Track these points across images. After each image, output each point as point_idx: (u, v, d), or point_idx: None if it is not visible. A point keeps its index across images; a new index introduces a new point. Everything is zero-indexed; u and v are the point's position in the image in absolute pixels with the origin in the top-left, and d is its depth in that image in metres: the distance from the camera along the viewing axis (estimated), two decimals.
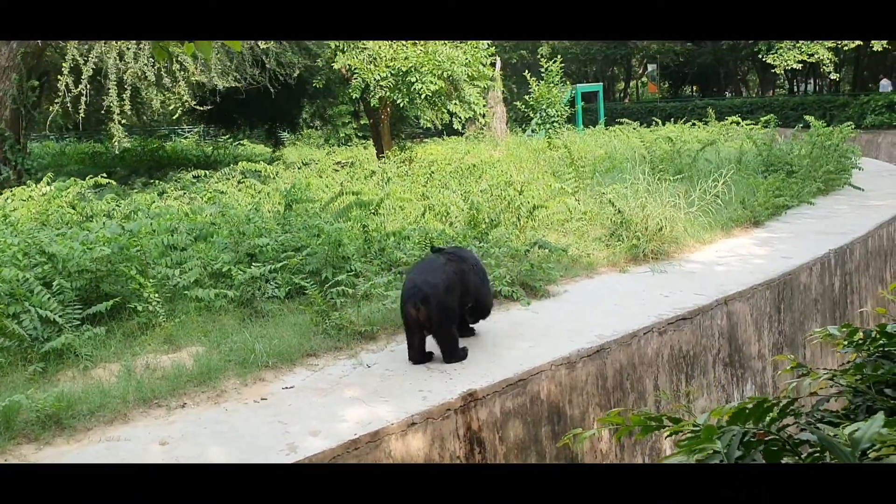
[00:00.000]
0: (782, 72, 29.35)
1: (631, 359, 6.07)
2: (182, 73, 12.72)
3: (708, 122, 21.41)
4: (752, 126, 18.48)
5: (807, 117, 17.03)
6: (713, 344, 6.97)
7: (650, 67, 45.75)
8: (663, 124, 21.46)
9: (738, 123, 20.18)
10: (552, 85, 18.81)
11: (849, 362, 2.35)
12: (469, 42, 17.14)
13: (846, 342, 2.40)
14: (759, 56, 29.74)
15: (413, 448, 4.54)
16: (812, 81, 39.61)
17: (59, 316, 5.35)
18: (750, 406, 1.92)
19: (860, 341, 2.35)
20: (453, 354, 5.46)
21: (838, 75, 29.87)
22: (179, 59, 12.28)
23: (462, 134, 24.25)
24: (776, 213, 10.96)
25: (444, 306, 5.35)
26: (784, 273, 7.95)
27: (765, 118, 18.08)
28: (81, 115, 12.62)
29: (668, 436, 2.04)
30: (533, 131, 21.22)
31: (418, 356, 5.48)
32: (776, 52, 27.20)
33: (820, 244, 9.05)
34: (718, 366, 7.05)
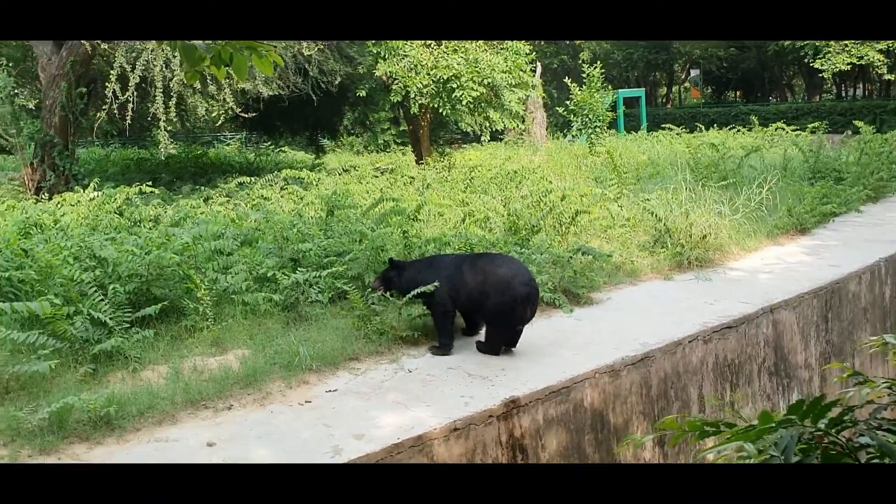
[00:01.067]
0: (830, 76, 28.76)
1: (675, 367, 6.00)
2: (227, 80, 12.93)
3: (752, 129, 21.07)
4: (798, 132, 18.14)
5: (856, 122, 16.68)
6: (759, 353, 6.86)
7: (693, 73, 45.24)
8: (707, 130, 21.21)
9: (783, 129, 19.84)
10: (593, 90, 18.68)
11: None
12: (509, 48, 17.13)
13: None
14: (806, 60, 29.21)
15: (455, 453, 4.55)
16: (861, 85, 38.74)
17: (110, 318, 5.47)
18: (807, 403, 1.90)
19: None
20: (496, 347, 5.85)
21: (893, 76, 29.17)
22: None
23: (501, 139, 24.22)
24: (823, 221, 10.73)
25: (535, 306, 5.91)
26: (832, 281, 7.79)
27: (811, 125, 17.74)
28: (128, 121, 12.89)
29: (724, 442, 2.01)
30: (574, 137, 21.11)
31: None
32: (824, 57, 26.70)
33: (870, 252, 8.85)
34: (764, 375, 6.92)
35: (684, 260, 8.31)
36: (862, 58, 25.75)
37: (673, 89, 47.49)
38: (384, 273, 6.22)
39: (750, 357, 6.76)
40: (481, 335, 6.01)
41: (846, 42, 25.91)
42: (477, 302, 5.74)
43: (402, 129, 28.93)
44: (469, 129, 17.37)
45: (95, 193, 10.34)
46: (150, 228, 8.43)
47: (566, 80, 20.34)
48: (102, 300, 5.59)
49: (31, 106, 14.48)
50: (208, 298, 5.91)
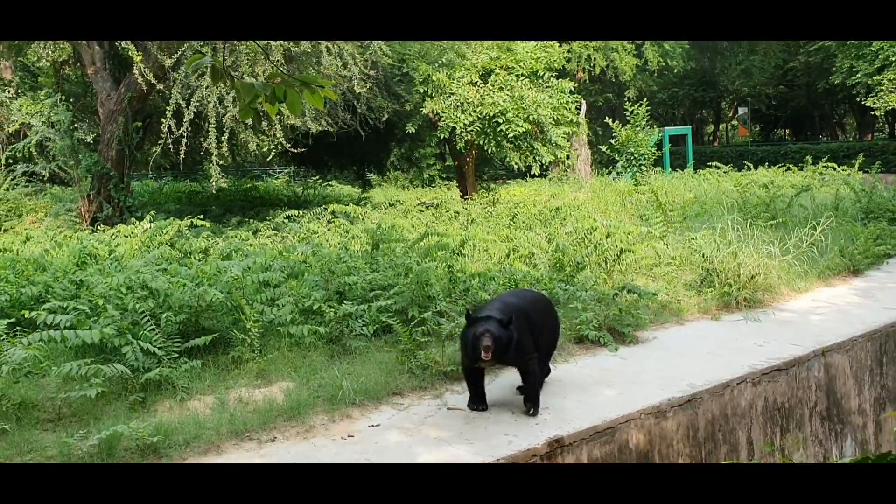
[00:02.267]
0: (882, 114, 28.26)
1: (723, 409, 5.87)
2: (278, 116, 13.24)
3: (803, 168, 20.76)
4: (849, 171, 17.82)
5: None
6: (810, 397, 6.68)
7: (741, 111, 44.89)
8: (755, 168, 20.93)
9: (833, 168, 19.50)
10: (638, 128, 18.67)
11: None
12: (554, 86, 17.25)
13: None
14: (857, 98, 28.77)
15: None
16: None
17: (159, 349, 5.58)
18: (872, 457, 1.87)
19: None
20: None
21: None
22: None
23: (546, 176, 24.26)
24: (877, 262, 10.47)
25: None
26: (886, 324, 7.58)
27: (860, 161, 17.42)
28: (181, 156, 13.24)
29: None
30: (619, 174, 21.04)
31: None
32: (876, 95, 26.26)
33: None
34: (815, 420, 6.73)
35: (732, 300, 8.17)
36: None
37: (720, 127, 47.11)
38: (490, 330, 4.92)
39: (801, 401, 6.59)
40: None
41: None
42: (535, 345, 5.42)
43: (447, 164, 29.19)
44: (514, 165, 17.47)
45: (149, 225, 10.62)
46: (200, 260, 8.61)
47: (608, 119, 20.37)
48: (154, 330, 5.71)
49: (89, 140, 14.97)
50: (256, 330, 6.00)
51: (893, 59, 25.38)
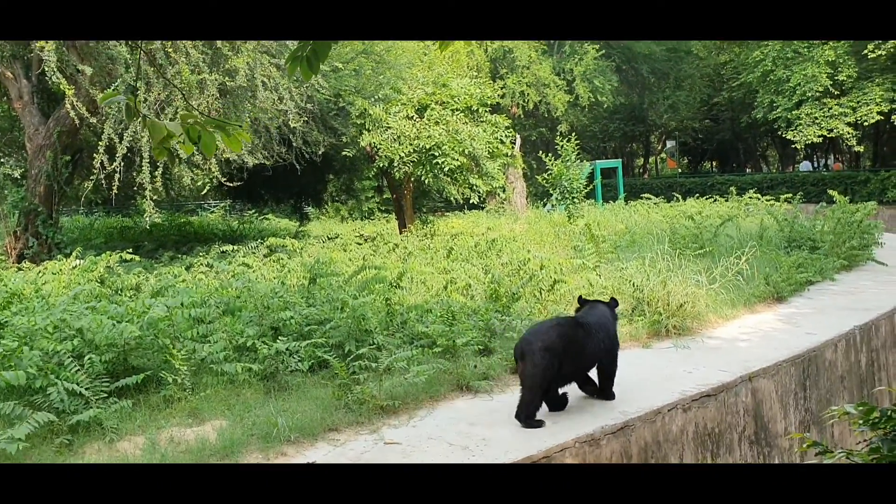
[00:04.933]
0: (802, 147, 29.57)
1: (655, 436, 6.01)
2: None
3: (728, 198, 21.53)
4: (773, 202, 18.55)
5: (830, 192, 17.10)
6: (738, 421, 6.88)
7: (669, 144, 46.32)
8: (684, 200, 21.61)
9: (758, 198, 20.28)
10: (569, 162, 19.11)
11: (866, 441, 2.34)
12: (488, 121, 17.57)
13: (862, 421, 2.40)
14: (779, 132, 30.03)
15: None
16: (832, 156, 39.82)
17: (87, 389, 5.43)
18: None
19: (876, 420, 2.34)
20: (520, 414, 5.69)
21: (862, 147, 30.11)
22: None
23: (483, 208, 24.53)
24: (799, 289, 10.90)
25: (535, 365, 5.64)
26: (809, 349, 7.88)
27: (786, 196, 18.18)
28: (114, 191, 12.97)
29: None
30: (553, 206, 21.43)
31: (552, 404, 5.94)
32: (796, 129, 27.45)
33: (844, 320, 8.98)
34: (744, 443, 6.94)
35: (662, 328, 8.39)
36: (832, 130, 26.51)
37: (650, 160, 48.50)
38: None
39: (730, 426, 6.78)
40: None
41: (817, 115, 26.69)
42: None
43: (385, 197, 29.27)
44: (451, 198, 17.65)
45: (77, 262, 10.34)
46: (130, 297, 8.42)
47: (541, 154, 20.83)
48: (79, 371, 5.55)
49: (16, 175, 14.54)
50: (185, 369, 5.89)
51: (810, 94, 26.62)
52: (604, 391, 6.30)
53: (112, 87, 11.87)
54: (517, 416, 5.68)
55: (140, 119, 2.84)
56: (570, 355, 5.79)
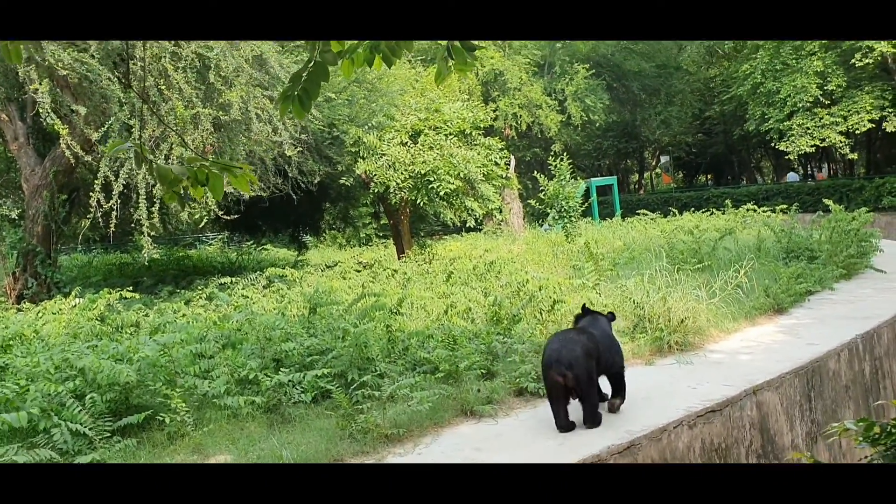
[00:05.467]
0: (795, 157, 29.71)
1: (662, 454, 5.98)
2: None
3: (725, 211, 21.60)
4: (769, 213, 18.62)
5: (826, 201, 17.16)
6: (745, 435, 6.85)
7: (663, 159, 46.56)
8: (680, 214, 21.69)
9: (754, 211, 20.35)
10: (564, 181, 19.21)
11: (867, 457, 2.33)
12: (482, 144, 17.69)
13: (863, 437, 2.38)
14: (772, 143, 30.17)
15: None
16: (826, 166, 40.01)
17: (90, 429, 5.41)
18: None
19: (876, 436, 2.32)
20: (594, 419, 5.97)
21: (855, 155, 30.26)
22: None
23: (480, 230, 24.60)
24: (799, 300, 10.90)
25: (588, 371, 5.87)
26: (811, 360, 7.86)
27: (781, 206, 18.26)
28: (111, 228, 13.00)
29: None
30: (549, 226, 21.49)
31: (564, 423, 5.95)
32: (788, 139, 27.59)
33: (846, 329, 8.97)
34: (752, 458, 6.90)
35: (665, 344, 8.38)
36: (824, 140, 26.64)
37: (645, 175, 48.69)
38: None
39: (736, 440, 6.75)
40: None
41: (808, 125, 26.84)
42: None
43: (382, 222, 29.34)
44: (449, 221, 17.72)
45: (77, 301, 10.34)
46: (130, 334, 8.42)
47: (536, 174, 20.95)
48: (81, 411, 5.54)
49: (13, 216, 14.59)
50: (185, 405, 5.87)
51: (801, 105, 26.79)
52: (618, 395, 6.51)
53: (106, 126, 11.95)
54: (590, 423, 5.96)
55: (147, 166, 2.86)
56: (598, 362, 6.13)
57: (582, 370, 5.82)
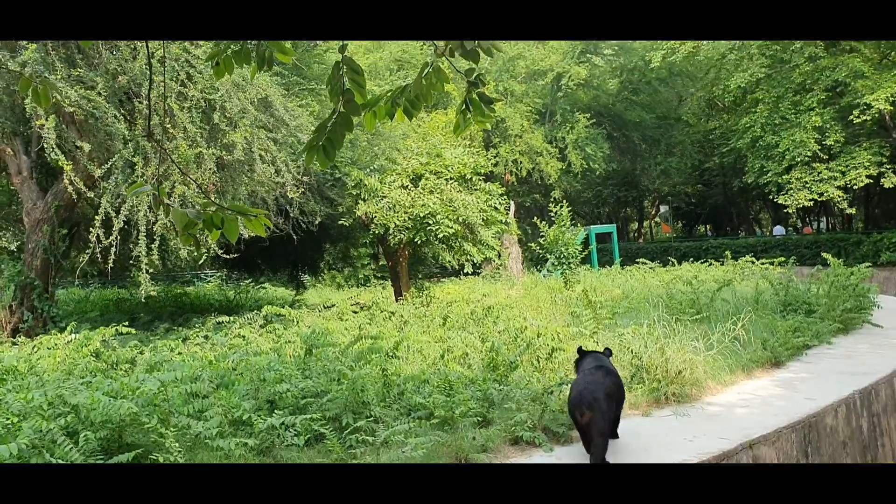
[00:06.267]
0: (794, 210, 29.86)
1: None
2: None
3: (724, 262, 21.66)
4: (767, 265, 18.67)
5: (824, 255, 17.22)
6: None
7: (662, 208, 46.81)
8: (679, 264, 21.75)
9: (752, 262, 20.41)
10: (563, 228, 19.31)
11: None
12: (482, 189, 17.82)
13: None
14: (770, 196, 30.35)
15: None
16: (825, 219, 40.21)
17: None
18: None
19: None
20: (599, 458, 6.06)
21: (854, 210, 30.45)
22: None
23: (479, 273, 24.63)
24: (797, 354, 10.87)
25: (603, 413, 6.20)
26: (808, 415, 7.82)
27: (779, 259, 18.32)
28: (110, 264, 13.01)
29: None
30: (549, 272, 21.53)
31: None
32: (787, 193, 27.76)
33: (843, 385, 8.93)
34: None
35: (662, 395, 8.34)
36: (822, 194, 26.81)
37: (644, 224, 48.93)
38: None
39: None
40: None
41: (807, 179, 27.01)
42: None
43: (381, 264, 29.37)
44: (447, 264, 17.77)
45: (72, 336, 10.30)
46: (125, 371, 8.37)
47: (536, 219, 21.09)
48: (72, 449, 5.48)
49: (12, 248, 14.62)
50: (178, 446, 5.81)
51: (799, 159, 27.01)
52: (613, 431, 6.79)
53: (110, 163, 12.05)
54: (594, 460, 6.05)
55: (163, 209, 2.90)
56: (619, 404, 6.67)
57: (599, 412, 6.14)
